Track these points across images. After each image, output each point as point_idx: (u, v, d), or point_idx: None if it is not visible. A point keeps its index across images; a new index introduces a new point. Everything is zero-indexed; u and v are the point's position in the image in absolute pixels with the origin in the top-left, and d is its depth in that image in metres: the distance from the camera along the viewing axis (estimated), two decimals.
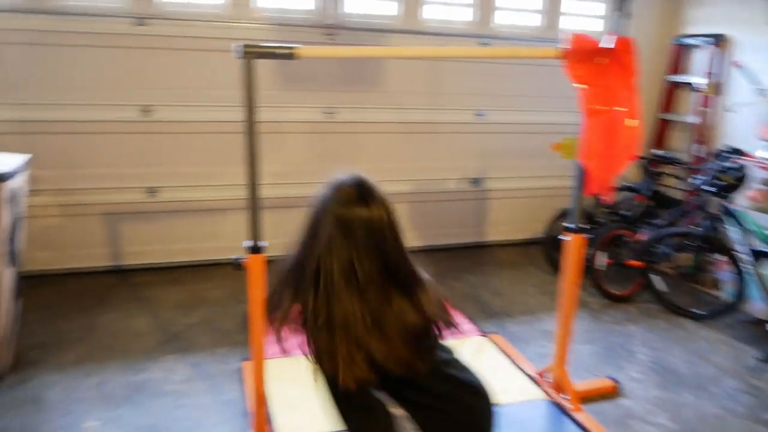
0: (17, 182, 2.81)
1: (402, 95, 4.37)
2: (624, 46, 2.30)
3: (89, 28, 3.65)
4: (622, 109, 2.35)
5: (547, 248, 4.48)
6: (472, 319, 3.61)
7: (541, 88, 4.78)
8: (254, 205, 2.05)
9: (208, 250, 4.19)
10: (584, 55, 2.28)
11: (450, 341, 3.05)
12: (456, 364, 1.65)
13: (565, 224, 2.58)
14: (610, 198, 2.53)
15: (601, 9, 4.90)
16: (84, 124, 3.75)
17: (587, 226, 2.66)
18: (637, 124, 2.35)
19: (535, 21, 4.70)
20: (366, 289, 1.43)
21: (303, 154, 4.26)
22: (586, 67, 2.29)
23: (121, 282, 3.91)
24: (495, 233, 5.05)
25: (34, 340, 3.12)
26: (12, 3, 3.48)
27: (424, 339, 1.52)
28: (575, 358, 3.05)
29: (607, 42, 2.29)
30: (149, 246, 4.09)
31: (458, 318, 3.32)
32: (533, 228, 5.11)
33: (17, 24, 3.51)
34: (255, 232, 2.06)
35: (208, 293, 3.79)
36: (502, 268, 4.59)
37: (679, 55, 4.91)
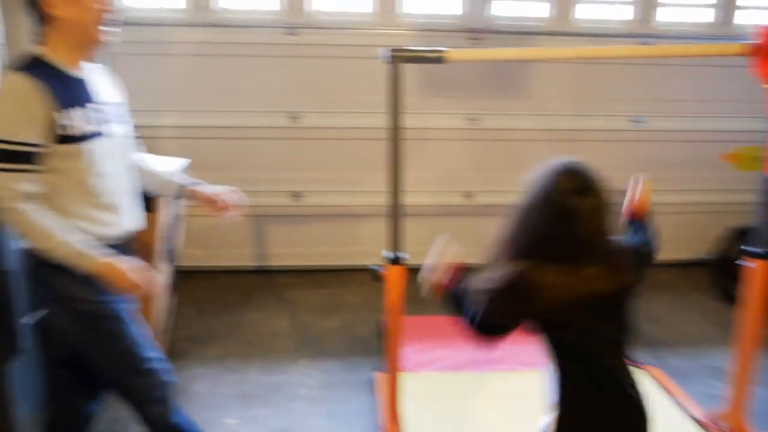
0: None
1: (550, 100, 4.10)
2: None
3: (245, 39, 3.83)
4: None
5: (716, 272, 3.95)
6: None
7: (710, 91, 4.26)
8: (396, 214, 1.97)
9: (348, 254, 4.22)
10: None
11: None
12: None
13: (748, 247, 2.21)
14: None
15: None
16: (236, 129, 3.95)
17: None
18: None
19: (707, 17, 4.20)
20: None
21: (446, 161, 4.15)
22: None
23: (266, 282, 4.05)
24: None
25: (186, 332, 3.31)
26: (175, 18, 3.77)
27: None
28: (756, 405, 2.61)
29: None
30: (293, 248, 4.21)
31: None
32: (696, 248, 4.57)
33: (181, 37, 3.79)
34: (396, 241, 1.98)
35: (347, 298, 3.81)
36: (662, 291, 4.13)
37: None
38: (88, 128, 1.65)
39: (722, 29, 4.19)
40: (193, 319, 3.47)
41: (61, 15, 1.58)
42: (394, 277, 1.96)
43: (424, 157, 4.12)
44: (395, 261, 1.96)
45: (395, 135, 1.90)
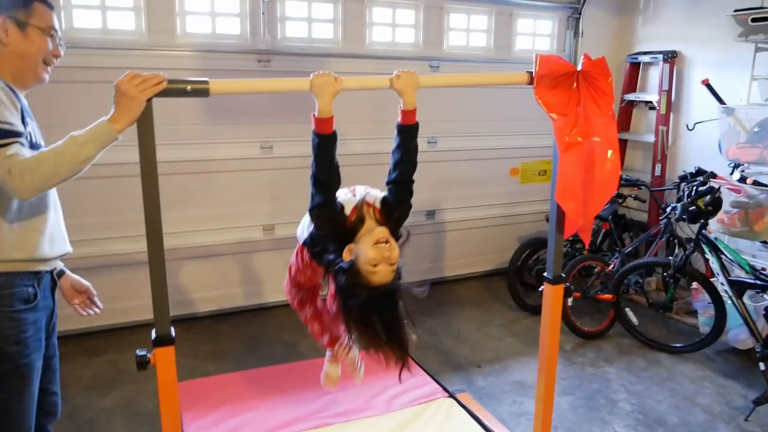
0: None
1: (346, 126, 3.97)
2: (598, 68, 1.98)
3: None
4: (598, 140, 2.02)
5: (512, 281, 4.14)
6: (436, 375, 3.20)
7: (492, 112, 4.49)
8: (159, 275, 1.59)
9: (126, 311, 3.65)
10: (556, 79, 1.93)
11: (413, 408, 2.58)
12: None
13: (544, 274, 2.22)
14: (587, 239, 2.19)
15: (548, 28, 4.68)
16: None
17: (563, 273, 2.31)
18: (615, 155, 2.03)
19: (482, 42, 4.42)
20: None
21: (242, 194, 3.82)
22: (559, 93, 1.95)
23: None
24: (453, 267, 4.69)
25: None
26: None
27: None
28: (556, 414, 2.68)
29: (581, 63, 1.96)
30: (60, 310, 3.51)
31: (419, 376, 2.93)
32: (494, 259, 4.80)
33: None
34: (161, 313, 1.58)
35: (126, 365, 3.25)
36: (464, 307, 4.22)
37: (633, 73, 4.73)
38: (41, 142, 1.71)
39: (499, 54, 4.44)
40: None
41: (10, 46, 1.63)
42: (163, 363, 1.58)
43: (214, 190, 3.74)
44: (163, 341, 1.58)
45: (149, 171, 1.52)
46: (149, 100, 1.48)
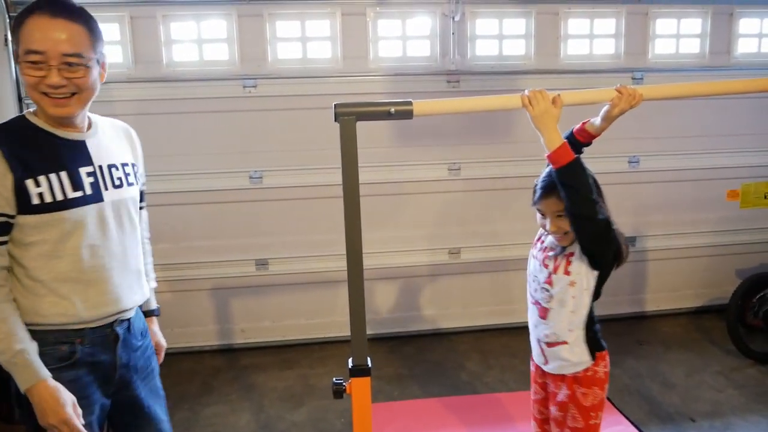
0: None
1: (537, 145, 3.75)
2: None
3: (199, 94, 3.47)
4: None
5: (733, 322, 3.54)
6: (641, 425, 2.82)
7: (704, 126, 3.95)
8: (359, 313, 1.54)
9: (320, 326, 3.79)
10: None
11: None
12: None
13: None
14: None
15: None
16: (192, 194, 3.55)
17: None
18: None
19: (694, 48, 3.92)
20: None
21: (428, 216, 3.78)
22: None
23: (229, 364, 3.58)
24: (655, 301, 4.17)
25: None
26: (119, 74, 3.40)
27: None
28: None
29: None
30: (258, 323, 3.76)
31: (622, 425, 2.59)
32: (705, 294, 4.19)
33: (130, 95, 3.42)
34: (359, 348, 1.53)
35: (317, 381, 3.34)
36: (670, 347, 3.71)
37: None
38: (72, 194, 1.46)
39: (719, 59, 3.90)
40: None
41: (23, 80, 1.42)
42: (359, 393, 1.53)
43: (400, 212, 3.75)
44: (359, 371, 1.53)
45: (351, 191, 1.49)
46: (354, 123, 1.45)
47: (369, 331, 3.80)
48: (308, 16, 3.51)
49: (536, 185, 1.79)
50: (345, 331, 3.66)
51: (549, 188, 1.72)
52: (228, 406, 3.11)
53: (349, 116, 1.45)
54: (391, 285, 3.84)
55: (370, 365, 1.56)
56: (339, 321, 3.76)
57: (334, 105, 1.44)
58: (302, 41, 3.54)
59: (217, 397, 3.21)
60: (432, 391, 3.19)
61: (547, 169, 1.73)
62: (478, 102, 1.64)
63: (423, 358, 3.63)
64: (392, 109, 1.47)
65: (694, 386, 3.24)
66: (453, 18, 3.56)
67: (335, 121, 1.46)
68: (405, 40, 3.63)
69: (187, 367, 3.52)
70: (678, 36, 3.89)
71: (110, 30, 3.35)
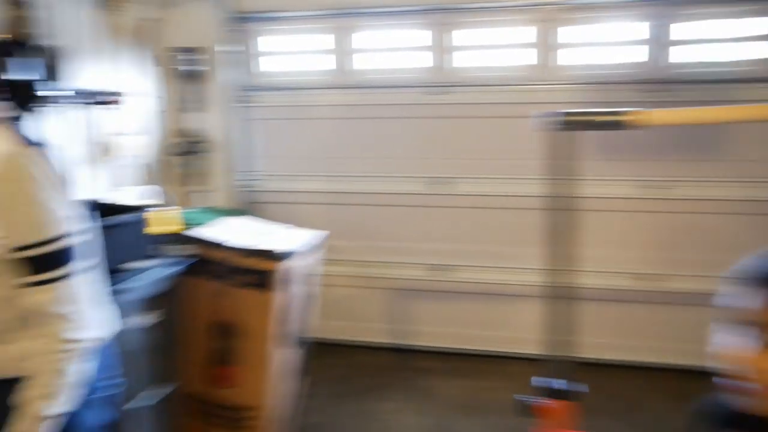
0: (306, 262, 2.73)
1: (756, 164, 3.32)
2: None
3: (389, 100, 3.61)
4: None
5: None
6: None
7: None
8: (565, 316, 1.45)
9: (496, 339, 3.70)
10: None
11: None
12: None
13: None
14: None
15: None
16: (377, 195, 3.70)
17: None
18: None
19: None
20: None
21: (618, 237, 3.51)
22: None
23: (401, 363, 3.65)
24: None
25: (316, 418, 3.02)
26: (314, 81, 3.66)
27: None
28: None
29: None
30: (432, 327, 3.78)
31: None
32: None
33: (328, 100, 3.65)
34: (564, 371, 1.44)
35: (490, 395, 3.25)
36: None
37: None
38: None
39: None
40: (326, 403, 3.17)
41: None
42: (555, 417, 1.42)
43: (588, 230, 3.52)
44: (558, 393, 1.42)
45: (558, 205, 1.41)
46: (573, 133, 1.37)
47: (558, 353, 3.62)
48: (499, 23, 3.48)
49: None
50: (517, 348, 3.57)
51: None
52: (398, 404, 3.17)
53: (570, 125, 1.38)
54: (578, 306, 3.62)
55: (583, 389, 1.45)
56: (511, 336, 3.64)
57: (565, 113, 1.37)
58: (491, 48, 3.53)
59: (389, 393, 3.28)
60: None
61: None
62: (726, 112, 1.46)
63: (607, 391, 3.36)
64: (621, 119, 1.36)
65: None
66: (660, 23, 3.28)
67: (557, 130, 1.39)
68: (600, 46, 3.42)
69: (361, 360, 3.65)
70: None
71: (320, 40, 3.63)
